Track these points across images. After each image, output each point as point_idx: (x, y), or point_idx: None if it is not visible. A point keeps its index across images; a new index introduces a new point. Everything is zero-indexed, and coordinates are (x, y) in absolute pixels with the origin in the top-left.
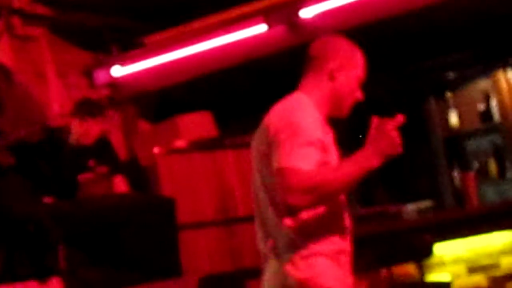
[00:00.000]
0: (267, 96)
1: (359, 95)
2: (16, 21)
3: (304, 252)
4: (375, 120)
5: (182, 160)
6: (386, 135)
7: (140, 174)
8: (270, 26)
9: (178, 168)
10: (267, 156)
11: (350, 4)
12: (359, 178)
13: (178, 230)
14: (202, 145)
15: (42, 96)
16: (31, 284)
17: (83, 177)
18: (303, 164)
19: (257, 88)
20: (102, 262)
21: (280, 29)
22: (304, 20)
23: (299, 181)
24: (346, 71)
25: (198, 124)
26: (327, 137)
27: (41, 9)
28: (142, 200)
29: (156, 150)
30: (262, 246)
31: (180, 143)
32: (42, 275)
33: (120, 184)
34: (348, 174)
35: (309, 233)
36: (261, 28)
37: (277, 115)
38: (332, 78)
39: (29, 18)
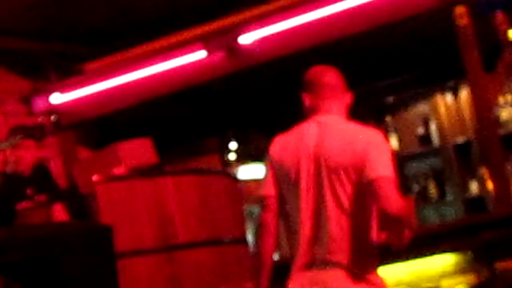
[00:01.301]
0: (207, 121)
1: None
2: None
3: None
4: None
5: (122, 188)
6: None
7: (79, 202)
8: (209, 52)
9: (117, 195)
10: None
11: (287, 30)
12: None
13: (116, 258)
14: (142, 172)
15: None
16: None
17: (21, 205)
18: None
19: (197, 114)
20: None
21: (219, 55)
22: (242, 46)
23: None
24: None
25: (138, 151)
26: None
27: None
28: (80, 228)
29: (95, 177)
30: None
31: (119, 170)
32: None
33: (59, 213)
34: None
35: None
36: (200, 54)
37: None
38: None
39: None
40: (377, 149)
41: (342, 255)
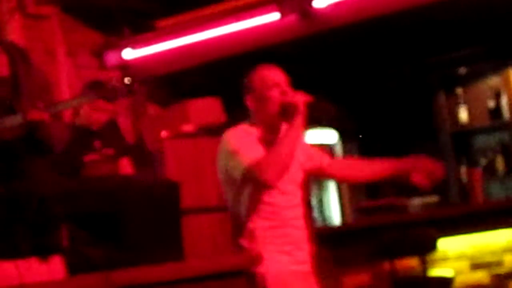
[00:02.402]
0: None
1: None
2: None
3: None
4: None
5: (189, 145)
6: None
7: (146, 157)
8: (282, 14)
9: (184, 152)
10: None
11: None
12: None
13: (182, 214)
14: (209, 131)
15: (51, 74)
16: (32, 261)
17: (88, 157)
18: None
19: None
20: (104, 242)
21: (292, 18)
22: (317, 9)
23: None
24: None
25: (206, 109)
26: None
27: None
28: (147, 182)
29: (163, 134)
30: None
31: (187, 128)
32: (44, 253)
33: (126, 166)
34: None
35: None
36: (273, 16)
37: None
38: None
39: None
40: None
41: None
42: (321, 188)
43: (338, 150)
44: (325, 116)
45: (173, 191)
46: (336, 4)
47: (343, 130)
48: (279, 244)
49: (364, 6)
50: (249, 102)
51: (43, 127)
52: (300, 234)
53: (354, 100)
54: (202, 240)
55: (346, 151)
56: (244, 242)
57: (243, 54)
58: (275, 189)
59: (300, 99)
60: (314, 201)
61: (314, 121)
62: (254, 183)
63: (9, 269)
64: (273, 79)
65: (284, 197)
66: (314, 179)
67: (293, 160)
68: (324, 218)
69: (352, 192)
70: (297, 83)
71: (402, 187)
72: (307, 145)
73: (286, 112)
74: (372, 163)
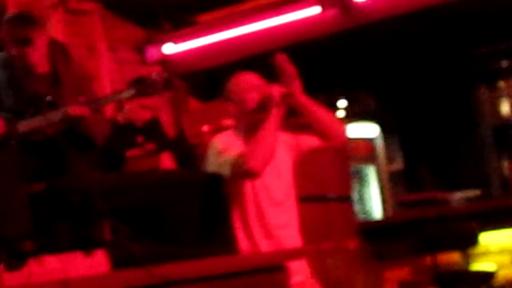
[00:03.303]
0: (316, 78)
1: None
2: None
3: None
4: None
5: None
6: None
7: (187, 152)
8: (323, 8)
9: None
10: None
11: None
12: None
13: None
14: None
15: (93, 69)
16: (76, 255)
17: (130, 152)
18: None
19: (307, 71)
20: (147, 237)
21: (333, 12)
22: (357, 3)
23: None
24: None
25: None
26: None
27: None
28: (188, 176)
29: (204, 128)
30: None
31: (228, 122)
32: (87, 247)
33: (167, 161)
34: None
35: None
36: (314, 10)
37: None
38: None
39: None
40: None
41: None
42: (362, 182)
43: (379, 143)
44: (366, 109)
45: (214, 185)
46: None
47: (384, 123)
48: (266, 244)
49: (403, 1)
50: (230, 107)
51: (84, 122)
52: (288, 240)
53: (395, 94)
54: None
55: (387, 145)
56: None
57: (284, 48)
58: (260, 187)
59: (275, 90)
60: (355, 196)
61: (355, 115)
62: (241, 175)
63: (53, 263)
64: (249, 82)
65: (269, 196)
66: (354, 175)
67: (274, 150)
68: (365, 213)
69: (393, 186)
70: (337, 77)
71: (444, 180)
72: (285, 135)
73: (263, 107)
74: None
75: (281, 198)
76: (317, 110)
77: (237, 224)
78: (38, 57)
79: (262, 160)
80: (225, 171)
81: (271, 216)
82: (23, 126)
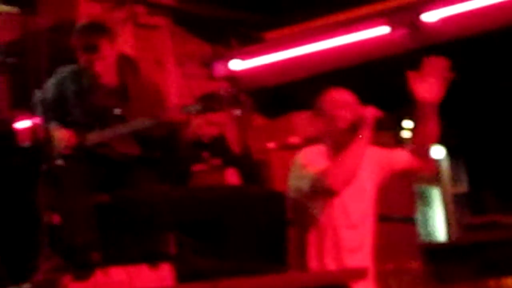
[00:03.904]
0: (383, 97)
1: None
2: (140, 10)
3: None
4: None
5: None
6: None
7: (252, 168)
8: (392, 28)
9: (290, 164)
10: None
11: (473, 11)
12: None
13: (287, 226)
14: (315, 143)
15: (160, 84)
16: (142, 268)
17: (196, 167)
18: None
19: (375, 90)
20: (210, 251)
21: (401, 32)
22: (426, 23)
23: None
24: None
25: (313, 121)
26: None
27: (165, 0)
28: (253, 193)
29: (270, 145)
30: None
31: (294, 140)
32: (153, 260)
33: (232, 177)
34: None
35: None
36: (383, 29)
37: None
38: None
39: (153, 7)
40: None
41: None
42: (425, 203)
43: (445, 165)
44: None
45: (278, 202)
46: (446, 19)
47: (450, 145)
48: (335, 266)
49: (473, 21)
50: (319, 123)
51: (181, 128)
52: (358, 260)
53: (462, 116)
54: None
55: (453, 167)
56: (304, 258)
57: (351, 67)
58: (338, 207)
59: (369, 112)
60: (418, 217)
61: None
62: (320, 191)
63: (120, 275)
64: (342, 100)
65: (346, 222)
66: (418, 196)
67: (358, 170)
68: (428, 234)
69: (457, 208)
70: (404, 97)
71: (509, 204)
72: (376, 152)
73: (355, 127)
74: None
75: (358, 220)
76: (434, 129)
77: (310, 241)
78: (107, 70)
79: (343, 180)
80: (305, 185)
81: (345, 237)
82: (92, 138)
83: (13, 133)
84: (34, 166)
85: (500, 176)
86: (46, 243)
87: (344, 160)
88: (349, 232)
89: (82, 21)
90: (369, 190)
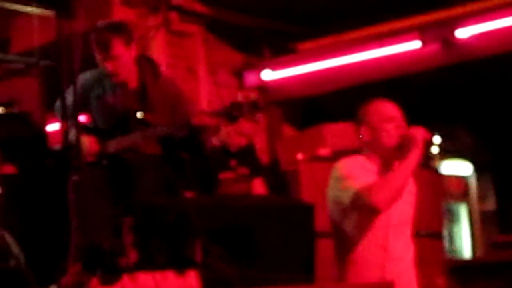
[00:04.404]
0: (413, 112)
1: None
2: (173, 16)
3: None
4: None
5: (324, 168)
6: None
7: (280, 178)
8: (424, 43)
9: (319, 175)
10: None
11: (506, 28)
12: None
13: (315, 237)
14: (345, 155)
15: (192, 91)
16: (169, 274)
17: (224, 175)
18: None
19: (404, 104)
20: (238, 260)
21: (434, 47)
22: (459, 40)
23: None
24: None
25: (343, 134)
26: None
27: (198, 7)
28: (281, 203)
29: (299, 156)
30: None
31: (323, 151)
32: (180, 266)
33: (259, 187)
34: None
35: None
36: (415, 44)
37: None
38: None
39: (186, 14)
40: None
41: None
42: (453, 220)
43: (473, 182)
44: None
45: (307, 213)
46: (479, 35)
47: (478, 162)
48: (379, 275)
49: (507, 39)
50: (364, 134)
51: (205, 132)
52: (403, 268)
53: (491, 132)
54: (332, 265)
55: (481, 184)
56: (345, 270)
57: (383, 81)
58: (381, 220)
59: (419, 133)
60: (445, 233)
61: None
62: (362, 208)
63: (147, 280)
64: (389, 113)
65: (390, 230)
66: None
67: (403, 192)
68: (454, 251)
69: (485, 226)
70: (435, 112)
71: None
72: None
73: (403, 146)
74: None
75: (401, 229)
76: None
77: (351, 252)
78: (122, 70)
79: (389, 200)
80: (344, 198)
81: (390, 247)
82: (114, 145)
83: (45, 135)
84: (64, 169)
85: None
86: (74, 246)
87: (391, 180)
88: (393, 242)
89: None
90: (409, 198)
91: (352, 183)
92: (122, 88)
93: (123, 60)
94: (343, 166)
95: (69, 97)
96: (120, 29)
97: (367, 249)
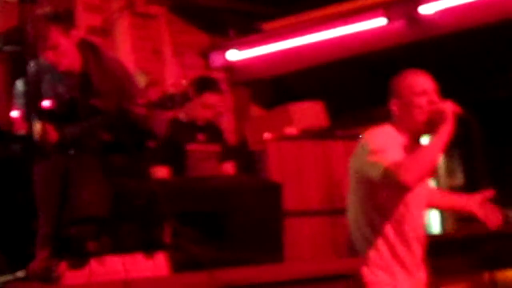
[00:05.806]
0: (380, 90)
1: None
2: None
3: None
4: None
5: (292, 148)
6: None
7: (248, 158)
8: (389, 20)
9: (287, 155)
10: None
11: (470, 4)
12: None
13: (283, 217)
14: (313, 134)
15: (158, 73)
16: (137, 256)
17: (191, 146)
18: None
19: (371, 82)
20: (207, 241)
21: (399, 24)
22: (424, 16)
23: None
24: None
25: (310, 113)
26: None
27: None
28: (250, 184)
29: (266, 135)
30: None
31: (291, 131)
32: (149, 249)
33: (228, 167)
34: None
35: None
36: (380, 21)
37: None
38: None
39: None
40: None
41: None
42: None
43: (440, 158)
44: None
45: (275, 193)
46: (443, 11)
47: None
48: (396, 258)
49: (471, 14)
50: (394, 107)
51: (142, 119)
52: (418, 253)
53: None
54: (302, 243)
55: (449, 159)
56: (361, 248)
57: (348, 59)
58: (404, 204)
59: (449, 107)
60: None
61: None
62: (391, 185)
63: (115, 263)
64: (422, 86)
65: (410, 214)
66: None
67: (433, 168)
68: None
69: None
70: None
71: (506, 197)
72: None
73: (433, 121)
74: (447, 195)
75: (420, 208)
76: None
77: (378, 226)
78: (64, 59)
79: (420, 177)
80: (373, 173)
81: (412, 225)
82: (70, 131)
83: (10, 121)
84: (30, 155)
85: (496, 169)
86: (42, 232)
87: (422, 156)
88: (413, 220)
89: (76, 10)
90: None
91: (381, 158)
92: (66, 76)
93: (62, 49)
94: (372, 138)
95: (26, 83)
96: (57, 17)
97: (398, 225)
